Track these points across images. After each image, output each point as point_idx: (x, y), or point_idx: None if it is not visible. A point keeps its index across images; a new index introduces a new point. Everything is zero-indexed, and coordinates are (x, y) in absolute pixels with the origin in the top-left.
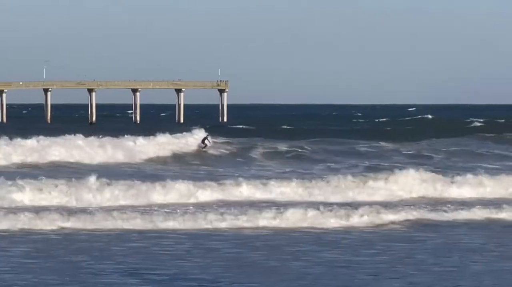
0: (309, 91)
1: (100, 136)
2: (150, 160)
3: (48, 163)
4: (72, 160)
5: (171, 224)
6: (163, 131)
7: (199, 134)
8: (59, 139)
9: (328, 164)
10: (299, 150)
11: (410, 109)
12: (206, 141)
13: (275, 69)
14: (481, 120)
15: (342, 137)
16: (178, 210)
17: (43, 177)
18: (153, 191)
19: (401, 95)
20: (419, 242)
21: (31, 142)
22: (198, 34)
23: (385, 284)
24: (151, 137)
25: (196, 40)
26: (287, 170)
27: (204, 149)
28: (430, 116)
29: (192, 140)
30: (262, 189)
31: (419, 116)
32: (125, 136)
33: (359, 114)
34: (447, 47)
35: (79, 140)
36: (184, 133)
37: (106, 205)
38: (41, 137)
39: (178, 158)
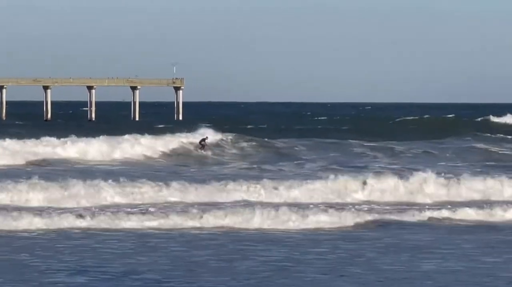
0: (262, 89)
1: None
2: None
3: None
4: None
5: (115, 222)
6: (122, 129)
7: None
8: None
9: (296, 162)
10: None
11: (366, 107)
12: (204, 143)
13: (230, 67)
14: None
15: (310, 136)
16: (123, 209)
17: None
18: (100, 191)
19: (351, 93)
20: (368, 241)
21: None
22: (154, 35)
23: (336, 283)
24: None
25: (152, 39)
26: (254, 166)
27: (202, 151)
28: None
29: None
30: (207, 189)
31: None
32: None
33: (309, 113)
34: (398, 44)
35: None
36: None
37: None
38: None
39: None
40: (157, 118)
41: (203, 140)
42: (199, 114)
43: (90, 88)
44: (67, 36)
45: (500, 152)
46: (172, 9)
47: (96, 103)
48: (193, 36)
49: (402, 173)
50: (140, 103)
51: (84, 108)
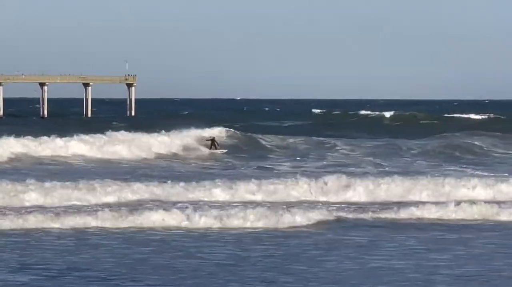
0: (216, 86)
1: None
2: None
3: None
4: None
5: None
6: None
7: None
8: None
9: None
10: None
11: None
12: (215, 142)
13: (184, 64)
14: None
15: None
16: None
17: None
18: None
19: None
20: (313, 240)
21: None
22: (109, 34)
23: (281, 279)
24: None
25: (105, 37)
26: (213, 163)
27: (215, 151)
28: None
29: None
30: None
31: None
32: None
33: (266, 108)
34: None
35: None
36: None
37: None
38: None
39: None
40: (109, 114)
41: (213, 140)
42: (151, 111)
43: (42, 85)
44: (20, 33)
45: (460, 146)
46: (124, 4)
47: (49, 100)
48: (146, 35)
49: (350, 172)
50: (95, 99)
51: (36, 105)
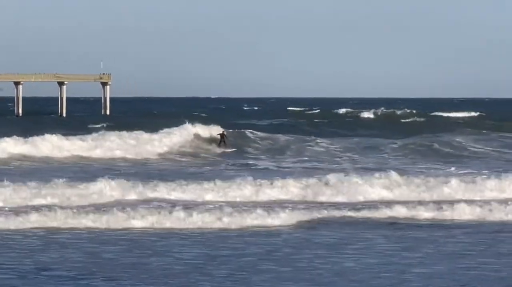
0: (193, 85)
1: None
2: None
3: None
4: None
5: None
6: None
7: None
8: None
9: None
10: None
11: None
12: (224, 138)
13: (157, 63)
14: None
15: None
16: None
17: None
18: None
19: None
20: (285, 239)
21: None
22: (84, 33)
23: (254, 278)
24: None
25: (79, 35)
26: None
27: (225, 149)
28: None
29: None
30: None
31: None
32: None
33: (245, 107)
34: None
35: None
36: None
37: None
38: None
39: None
40: (84, 113)
41: (223, 135)
42: (127, 109)
43: (17, 83)
44: None
45: (441, 143)
46: (97, 2)
47: (23, 98)
48: (122, 33)
49: (328, 169)
50: (70, 98)
51: (9, 104)
